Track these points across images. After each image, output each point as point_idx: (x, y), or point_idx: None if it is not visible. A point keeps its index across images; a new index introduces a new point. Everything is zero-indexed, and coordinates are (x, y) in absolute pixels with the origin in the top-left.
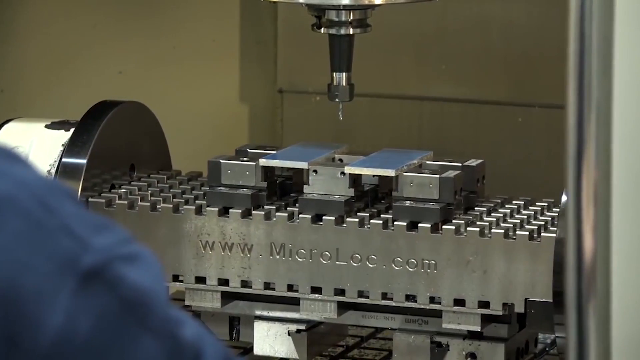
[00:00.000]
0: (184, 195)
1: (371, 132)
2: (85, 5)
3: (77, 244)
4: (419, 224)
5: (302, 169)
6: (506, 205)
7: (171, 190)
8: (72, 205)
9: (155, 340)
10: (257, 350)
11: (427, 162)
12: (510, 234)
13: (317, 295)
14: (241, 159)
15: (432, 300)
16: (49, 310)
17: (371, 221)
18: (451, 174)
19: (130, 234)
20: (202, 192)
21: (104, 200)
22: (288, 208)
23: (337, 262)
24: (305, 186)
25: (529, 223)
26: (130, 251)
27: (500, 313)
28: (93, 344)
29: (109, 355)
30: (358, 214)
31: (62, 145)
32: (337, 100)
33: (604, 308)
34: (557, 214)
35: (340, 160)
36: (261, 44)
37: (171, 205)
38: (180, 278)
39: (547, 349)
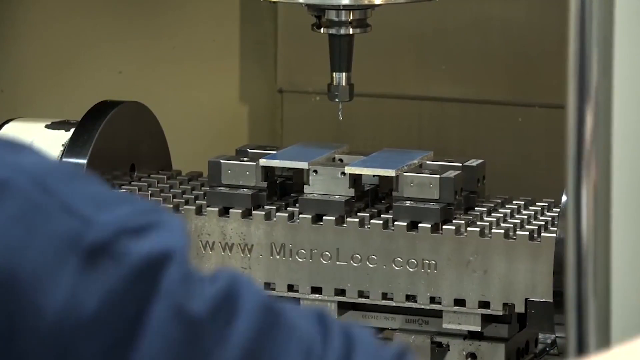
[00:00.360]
0: (184, 195)
1: (371, 132)
2: (85, 5)
3: (78, 221)
4: (419, 224)
5: (302, 169)
6: (506, 205)
7: (171, 190)
8: (77, 184)
9: (164, 305)
10: None
11: (427, 162)
12: (511, 234)
13: (317, 295)
14: (241, 159)
15: (432, 300)
16: (50, 289)
17: (371, 221)
18: (451, 174)
19: (151, 205)
20: (202, 192)
21: None
22: (288, 208)
23: (337, 262)
24: (305, 186)
25: (529, 223)
26: (144, 222)
27: (501, 313)
28: (101, 320)
29: (118, 329)
30: (358, 214)
31: (62, 145)
32: (337, 100)
33: (604, 308)
34: (557, 214)
35: (341, 160)
36: (261, 44)
37: (171, 205)
38: None
39: (547, 349)
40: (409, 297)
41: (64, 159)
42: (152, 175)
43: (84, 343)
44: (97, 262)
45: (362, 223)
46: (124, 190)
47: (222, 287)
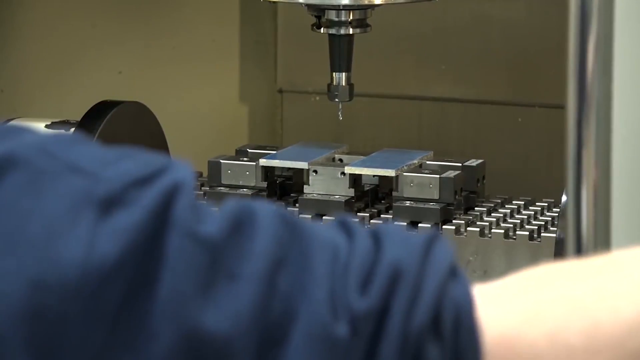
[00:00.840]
0: None
1: (371, 132)
2: (85, 5)
3: (86, 178)
4: (419, 224)
5: (302, 169)
6: (506, 205)
7: None
8: (82, 148)
9: (178, 233)
10: None
11: (427, 162)
12: (511, 234)
13: None
14: (241, 159)
15: None
16: (68, 243)
17: (371, 221)
18: (451, 174)
19: (154, 155)
20: (202, 192)
21: None
22: (288, 208)
23: None
24: (305, 186)
25: (529, 223)
26: (150, 171)
27: None
28: (123, 264)
29: (140, 268)
30: (358, 214)
31: None
32: (336, 100)
33: None
34: (557, 214)
35: (341, 160)
36: (261, 44)
37: None
38: None
39: None
40: None
41: None
42: None
43: (111, 288)
44: (111, 212)
45: (362, 223)
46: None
47: (233, 208)
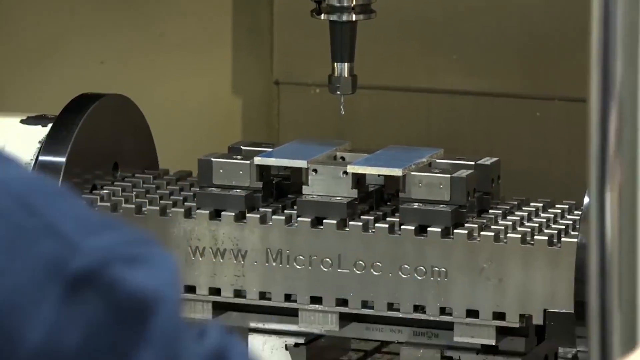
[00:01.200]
0: (171, 197)
1: (376, 128)
2: None
3: (64, 246)
4: (428, 228)
5: (301, 168)
6: (523, 208)
7: (158, 191)
8: (64, 205)
9: (154, 353)
10: None
11: (437, 160)
12: (528, 239)
13: (317, 305)
14: (234, 157)
15: (442, 311)
16: (29, 323)
17: (376, 225)
18: (463, 173)
19: (142, 234)
20: (191, 193)
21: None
22: (285, 211)
23: (338, 270)
24: (304, 187)
25: (548, 227)
26: (134, 252)
27: (517, 325)
28: (83, 359)
29: None
30: (362, 217)
31: (39, 142)
32: (338, 92)
33: (630, 320)
34: (579, 217)
35: (342, 158)
36: (255, 31)
37: (158, 208)
38: None
39: None
40: (417, 308)
41: (40, 158)
42: (136, 175)
43: None
44: (82, 292)
45: (366, 227)
46: (105, 190)
47: (211, 349)
